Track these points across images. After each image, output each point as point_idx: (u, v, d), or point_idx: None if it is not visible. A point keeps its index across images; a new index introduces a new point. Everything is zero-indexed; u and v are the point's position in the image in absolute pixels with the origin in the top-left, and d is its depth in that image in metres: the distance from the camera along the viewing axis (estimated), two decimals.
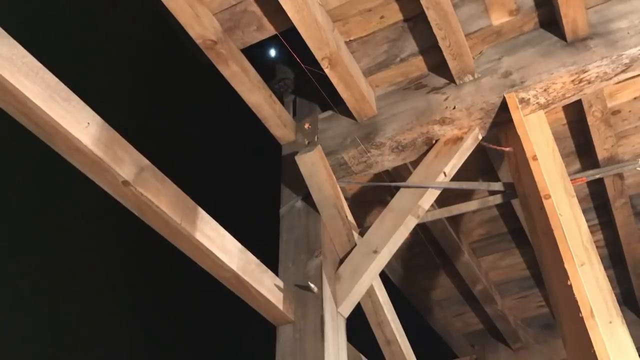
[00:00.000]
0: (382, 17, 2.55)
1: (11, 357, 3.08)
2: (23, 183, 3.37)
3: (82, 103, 1.58)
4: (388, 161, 2.75)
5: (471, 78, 2.60)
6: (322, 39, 2.36)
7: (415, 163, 2.72)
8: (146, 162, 1.75)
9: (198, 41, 2.34)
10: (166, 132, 4.25)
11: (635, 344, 2.07)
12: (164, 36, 3.51)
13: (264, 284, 2.14)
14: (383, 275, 2.78)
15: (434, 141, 2.65)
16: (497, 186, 2.63)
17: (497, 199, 2.62)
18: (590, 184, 3.28)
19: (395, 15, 2.55)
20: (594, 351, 1.85)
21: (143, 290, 4.11)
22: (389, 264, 3.34)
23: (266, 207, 3.01)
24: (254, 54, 2.65)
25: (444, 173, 2.53)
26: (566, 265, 2.05)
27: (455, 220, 3.57)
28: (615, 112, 2.91)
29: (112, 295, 3.91)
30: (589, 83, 2.47)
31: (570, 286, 1.99)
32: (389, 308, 2.57)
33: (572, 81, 2.46)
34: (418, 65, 2.72)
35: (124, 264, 4.05)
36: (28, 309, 3.27)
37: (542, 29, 2.59)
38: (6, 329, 3.13)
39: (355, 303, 2.43)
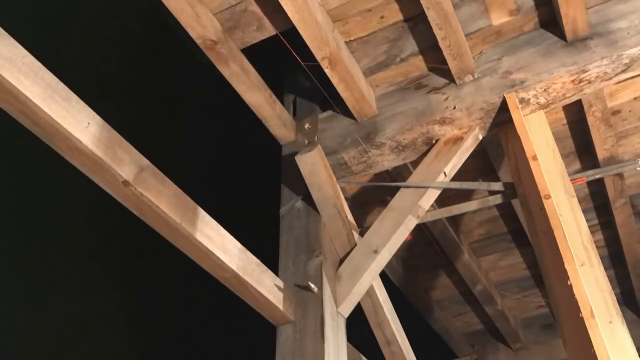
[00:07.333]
0: (382, 17, 2.55)
1: (11, 357, 3.09)
2: (24, 182, 3.37)
3: (82, 103, 1.57)
4: (388, 161, 2.75)
5: (471, 78, 2.60)
6: (322, 39, 2.36)
7: (415, 163, 2.73)
8: (146, 162, 1.75)
9: (198, 41, 2.34)
10: (166, 132, 4.25)
11: (635, 344, 2.07)
12: (164, 36, 3.51)
13: (264, 284, 2.14)
14: (383, 275, 2.78)
15: (434, 141, 2.65)
16: (497, 186, 2.63)
17: (497, 199, 2.62)
18: (590, 184, 3.28)
19: (395, 15, 2.55)
20: (594, 351, 1.86)
21: (142, 290, 4.11)
22: (389, 264, 3.34)
23: (266, 207, 3.01)
24: None
25: (444, 173, 2.53)
26: (566, 265, 2.05)
27: (455, 220, 3.57)
28: (615, 112, 2.91)
29: (111, 295, 3.91)
30: (589, 83, 2.47)
31: (570, 286, 1.99)
32: (389, 308, 2.57)
33: (572, 81, 2.46)
34: (418, 65, 2.72)
35: (124, 264, 4.05)
36: (28, 309, 3.27)
37: (542, 29, 2.59)
38: (6, 329, 3.13)
39: (355, 303, 2.44)
